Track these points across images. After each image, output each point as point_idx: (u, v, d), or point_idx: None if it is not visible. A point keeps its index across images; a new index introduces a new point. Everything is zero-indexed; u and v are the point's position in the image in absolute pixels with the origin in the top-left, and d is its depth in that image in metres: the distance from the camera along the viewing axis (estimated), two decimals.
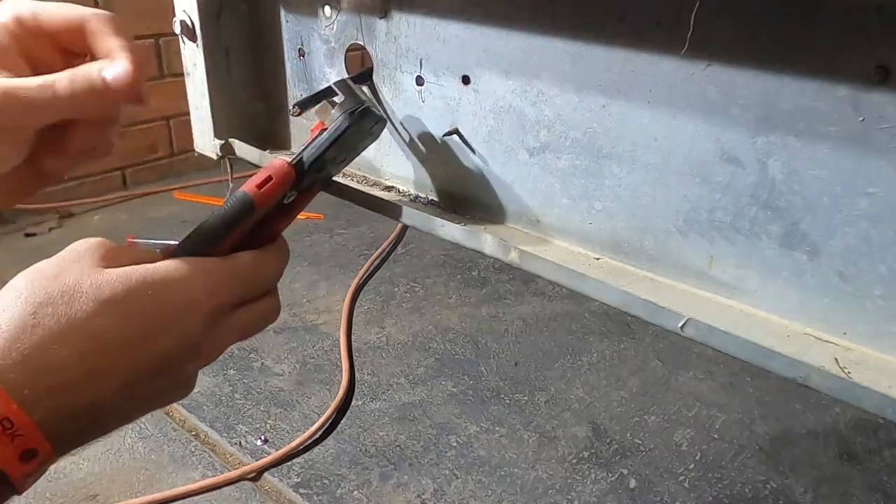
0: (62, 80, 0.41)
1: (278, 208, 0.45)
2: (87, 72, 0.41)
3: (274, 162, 0.44)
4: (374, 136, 0.50)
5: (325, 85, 0.53)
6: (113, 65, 0.42)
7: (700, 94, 0.38)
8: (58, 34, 0.43)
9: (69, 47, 0.44)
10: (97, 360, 0.36)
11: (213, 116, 0.62)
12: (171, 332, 0.39)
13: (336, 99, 0.47)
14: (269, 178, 0.44)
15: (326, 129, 0.46)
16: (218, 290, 0.41)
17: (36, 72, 0.43)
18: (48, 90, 0.41)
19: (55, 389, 0.35)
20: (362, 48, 0.53)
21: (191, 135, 0.65)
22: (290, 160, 0.45)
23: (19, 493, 0.35)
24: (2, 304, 0.36)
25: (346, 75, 0.54)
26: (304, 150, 0.46)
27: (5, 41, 0.42)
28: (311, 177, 0.46)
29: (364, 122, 0.47)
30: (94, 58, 0.43)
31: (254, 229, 0.44)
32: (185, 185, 2.11)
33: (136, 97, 0.42)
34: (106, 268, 0.38)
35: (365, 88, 0.54)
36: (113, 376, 0.37)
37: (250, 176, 0.44)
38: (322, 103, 0.47)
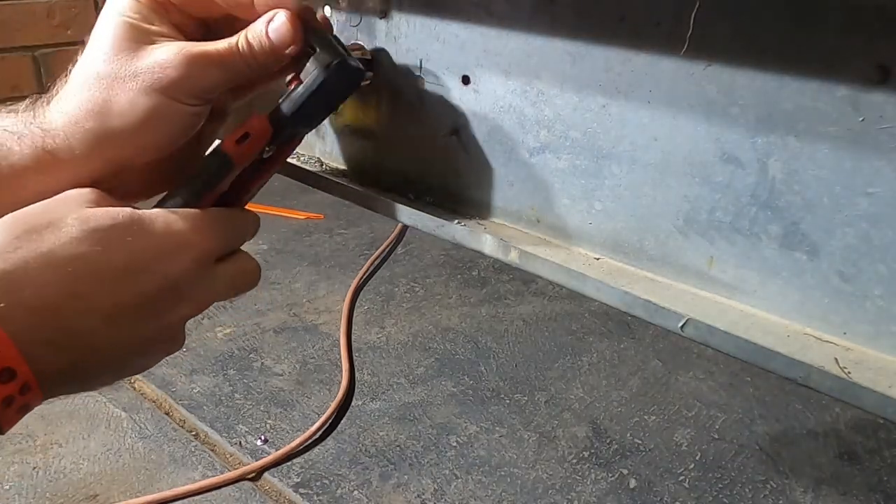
0: (241, 40, 0.43)
1: (256, 164, 0.45)
2: (256, 29, 0.43)
3: (251, 118, 0.44)
4: (354, 88, 0.49)
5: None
6: (273, 20, 0.43)
7: (700, 94, 0.38)
8: (190, 4, 0.45)
9: (200, 15, 0.45)
10: (79, 285, 0.35)
11: None
12: (157, 270, 0.38)
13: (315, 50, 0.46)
14: (246, 135, 0.43)
15: (302, 81, 0.45)
16: (203, 236, 0.41)
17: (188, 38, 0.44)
18: (236, 51, 0.42)
19: (33, 309, 0.34)
20: (362, 48, 0.53)
21: None
22: (267, 114, 0.44)
23: (2, 427, 0.34)
24: None
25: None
26: (280, 103, 0.45)
27: (157, 10, 0.43)
28: (289, 130, 0.45)
29: (341, 75, 0.45)
30: (230, 24, 0.45)
31: (231, 185, 0.44)
32: None
33: (298, 49, 0.43)
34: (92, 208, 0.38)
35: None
36: (95, 304, 0.36)
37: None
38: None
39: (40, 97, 0.45)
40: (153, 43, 0.42)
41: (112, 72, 0.42)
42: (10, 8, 1.85)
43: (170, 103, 0.42)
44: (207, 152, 0.44)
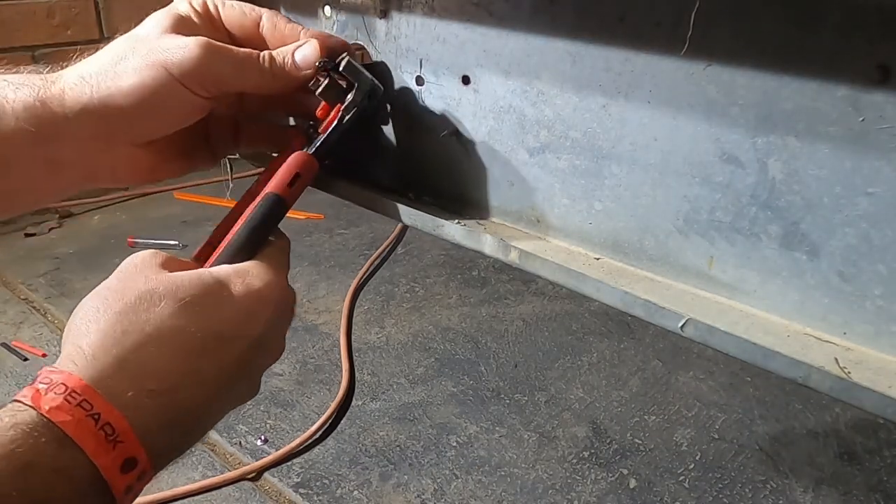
0: (264, 53, 0.45)
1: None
2: (283, 51, 0.46)
3: (297, 156, 0.45)
4: (376, 108, 0.51)
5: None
6: (303, 47, 0.46)
7: (700, 94, 0.38)
8: (233, 26, 0.48)
9: (240, 41, 0.48)
10: (191, 360, 0.36)
11: None
12: (248, 333, 0.39)
13: (342, 79, 0.47)
14: (297, 176, 0.45)
15: (341, 115, 0.47)
16: (277, 285, 0.42)
17: None
18: (255, 58, 0.45)
19: (155, 393, 0.34)
20: (362, 48, 0.53)
21: None
22: (311, 151, 0.46)
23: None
24: (84, 322, 0.36)
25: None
26: (323, 138, 0.47)
27: (199, 21, 0.46)
28: (329, 161, 0.48)
29: (377, 104, 0.48)
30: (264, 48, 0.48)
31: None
32: (185, 186, 2.11)
33: (312, 74, 0.46)
34: (170, 271, 0.39)
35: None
36: (204, 377, 0.37)
37: (251, 176, 0.44)
38: (325, 83, 0.47)
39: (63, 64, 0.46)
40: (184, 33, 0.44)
41: (134, 44, 0.44)
42: (10, 8, 1.85)
43: (174, 84, 0.43)
44: (259, 198, 0.44)
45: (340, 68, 0.46)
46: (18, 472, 0.30)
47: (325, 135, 0.47)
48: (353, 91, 0.47)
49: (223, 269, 0.40)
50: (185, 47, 0.42)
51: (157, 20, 0.45)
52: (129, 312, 0.36)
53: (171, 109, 0.44)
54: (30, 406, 0.32)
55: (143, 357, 0.35)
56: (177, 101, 0.44)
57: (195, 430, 0.38)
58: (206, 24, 0.47)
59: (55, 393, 0.32)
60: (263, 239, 0.44)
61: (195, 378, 0.36)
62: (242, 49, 0.45)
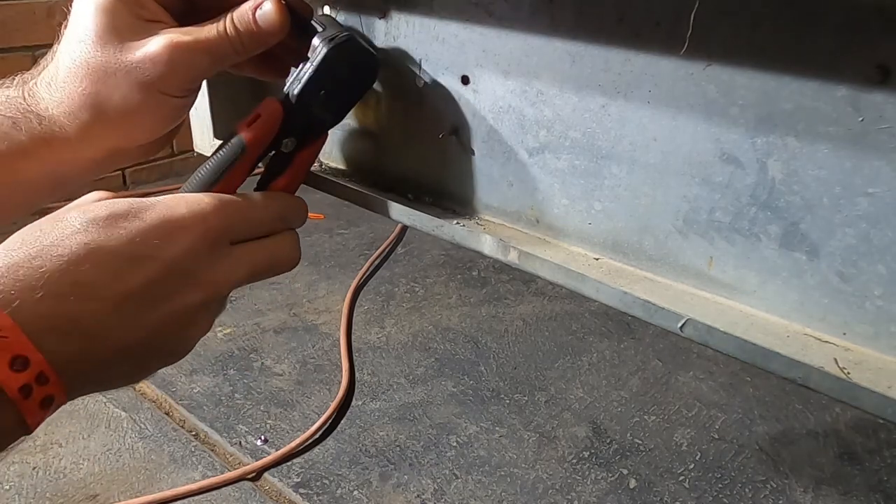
0: (227, 24, 0.42)
1: (279, 158, 0.44)
2: (242, 13, 0.43)
3: (265, 101, 0.43)
4: (369, 77, 0.48)
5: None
6: (262, 5, 0.43)
7: (700, 94, 0.38)
8: None
9: None
10: (80, 273, 0.35)
11: (212, 116, 0.62)
12: (158, 255, 0.38)
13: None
14: (257, 116, 0.43)
15: (305, 58, 0.44)
16: (206, 217, 0.40)
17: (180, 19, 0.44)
18: (223, 36, 0.42)
19: (38, 299, 0.34)
20: None
21: (190, 134, 0.65)
22: (278, 97, 0.44)
23: (28, 427, 0.34)
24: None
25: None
26: (288, 84, 0.44)
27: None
28: (303, 115, 0.44)
29: (350, 52, 0.44)
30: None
31: (259, 183, 0.44)
32: None
33: (283, 32, 0.43)
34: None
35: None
36: (99, 292, 0.36)
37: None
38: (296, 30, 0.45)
39: (28, 74, 0.45)
40: (142, 31, 0.42)
41: (102, 64, 0.42)
42: (9, 8, 1.85)
43: (160, 96, 0.43)
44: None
45: (317, 21, 0.44)
46: None
47: (291, 80, 0.44)
48: (316, 37, 0.45)
49: (151, 199, 0.39)
50: (160, 59, 0.41)
51: (100, 22, 0.42)
52: (35, 229, 0.36)
53: (166, 116, 0.44)
54: None
55: (31, 263, 0.34)
56: (169, 109, 0.44)
57: (102, 351, 0.37)
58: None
59: None
60: (214, 175, 0.42)
61: (88, 290, 0.36)
62: (206, 33, 0.42)
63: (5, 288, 0.33)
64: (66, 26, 0.44)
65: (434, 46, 0.49)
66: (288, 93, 0.44)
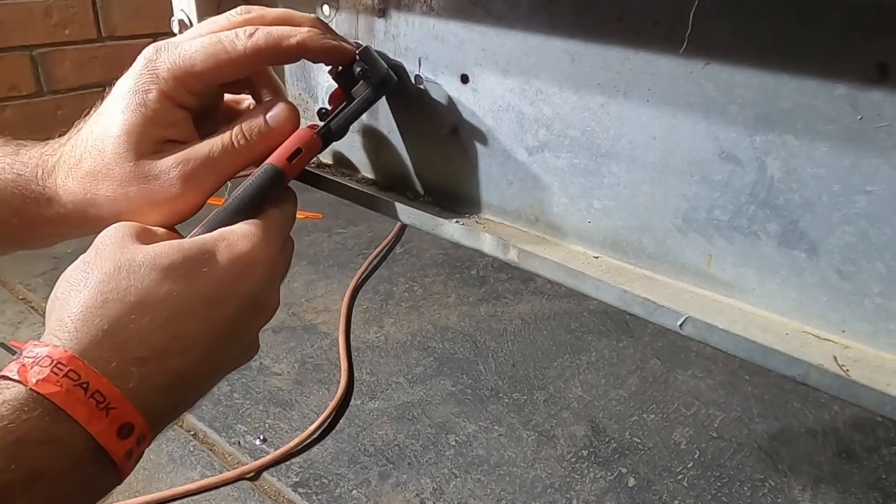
0: (236, 135, 0.44)
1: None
2: (252, 125, 0.44)
3: (302, 132, 0.45)
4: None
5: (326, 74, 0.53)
6: (275, 108, 0.45)
7: (699, 93, 0.38)
8: (211, 75, 0.44)
9: (219, 82, 0.45)
10: (177, 324, 0.36)
11: None
12: (238, 292, 0.39)
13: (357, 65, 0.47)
14: (298, 151, 0.44)
15: (352, 98, 0.47)
16: (267, 247, 0.41)
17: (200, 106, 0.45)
18: (231, 150, 0.43)
19: (143, 360, 0.35)
20: (360, 46, 0.53)
21: None
22: (317, 130, 0.46)
23: (122, 476, 0.35)
24: (64, 295, 0.36)
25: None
26: (331, 119, 0.46)
27: (176, 94, 0.43)
28: (334, 141, 0.47)
29: (388, 90, 0.48)
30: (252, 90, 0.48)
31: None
32: None
33: (295, 129, 0.45)
34: (146, 244, 0.39)
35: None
36: (193, 341, 0.37)
37: (248, 177, 0.44)
38: (340, 68, 0.47)
39: (50, 149, 0.46)
40: (159, 151, 0.43)
41: (118, 176, 0.42)
42: (7, 7, 1.84)
43: (171, 210, 0.43)
44: (257, 169, 0.45)
45: (357, 58, 0.46)
46: (11, 448, 0.30)
47: (333, 116, 0.47)
48: (366, 77, 0.46)
49: (205, 236, 0.40)
50: (168, 185, 0.42)
51: (126, 132, 0.42)
52: (109, 282, 0.36)
53: (161, 220, 0.45)
54: (17, 381, 0.32)
55: (127, 325, 0.35)
56: (168, 218, 0.44)
57: (191, 392, 0.39)
58: (179, 96, 0.43)
59: (41, 366, 0.32)
60: (255, 207, 0.43)
61: (183, 343, 0.36)
62: (215, 149, 0.43)
63: (110, 356, 0.34)
64: (95, 111, 0.45)
65: (433, 45, 0.49)
66: (329, 127, 0.46)
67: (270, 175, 0.44)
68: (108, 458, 0.33)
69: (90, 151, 0.43)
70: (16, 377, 0.32)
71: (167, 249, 0.38)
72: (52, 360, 0.33)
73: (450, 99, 0.49)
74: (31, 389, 0.32)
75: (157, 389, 0.35)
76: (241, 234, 0.41)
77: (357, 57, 0.46)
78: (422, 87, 0.50)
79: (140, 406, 0.34)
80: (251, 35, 0.42)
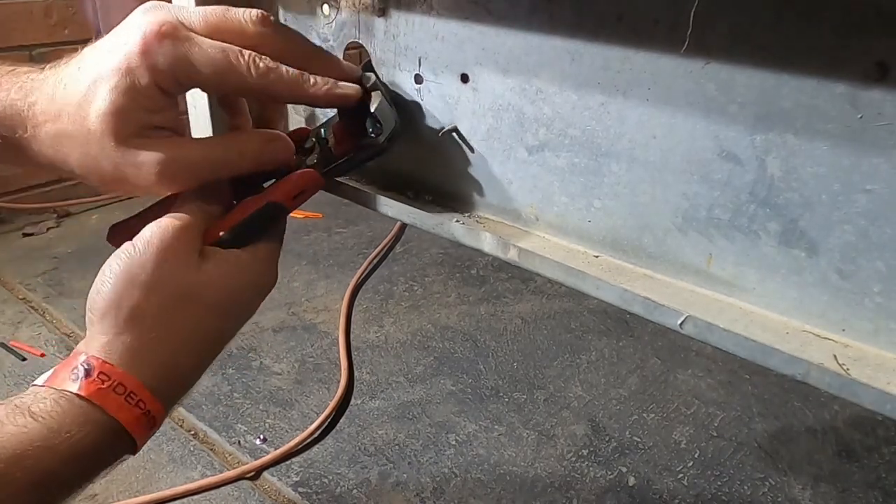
0: (232, 150, 0.45)
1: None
2: (252, 146, 0.46)
3: (307, 173, 0.47)
4: None
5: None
6: (275, 140, 0.47)
7: (699, 92, 0.38)
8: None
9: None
10: (199, 354, 0.44)
11: (211, 116, 0.62)
12: (246, 312, 0.46)
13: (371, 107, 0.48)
14: (303, 192, 0.47)
15: (360, 149, 0.49)
16: (269, 276, 0.47)
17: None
18: (220, 157, 0.45)
19: (179, 382, 0.45)
20: (361, 46, 0.53)
21: (189, 135, 0.65)
22: (323, 170, 0.48)
23: (134, 452, 0.43)
24: (115, 300, 0.41)
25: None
26: (339, 163, 0.48)
27: (170, 83, 0.42)
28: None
29: (396, 143, 0.49)
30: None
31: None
32: None
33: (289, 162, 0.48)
34: (202, 266, 0.43)
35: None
36: (209, 347, 0.45)
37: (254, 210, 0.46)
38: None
39: (48, 68, 0.47)
40: (144, 138, 0.43)
41: (95, 152, 0.42)
42: (7, 7, 1.84)
43: (124, 188, 0.45)
44: (262, 204, 0.46)
45: (372, 110, 0.48)
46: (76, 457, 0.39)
47: (340, 162, 0.48)
48: (378, 135, 0.48)
49: (220, 251, 0.44)
50: (147, 175, 0.43)
51: (113, 106, 0.41)
52: (175, 311, 0.42)
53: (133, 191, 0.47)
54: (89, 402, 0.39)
55: (179, 362, 0.43)
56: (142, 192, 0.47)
57: (198, 375, 0.46)
58: (173, 84, 0.43)
59: (117, 393, 0.40)
60: (257, 240, 0.46)
61: (205, 359, 0.45)
62: (207, 152, 0.45)
63: (161, 390, 0.43)
64: (77, 57, 0.45)
65: (433, 44, 0.49)
66: (335, 170, 0.49)
67: (274, 211, 0.46)
68: (129, 438, 0.42)
69: (70, 114, 0.42)
70: (84, 394, 0.39)
71: (222, 285, 0.43)
72: (126, 389, 0.41)
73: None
74: (109, 416, 0.40)
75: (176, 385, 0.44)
76: (257, 266, 0.46)
77: (374, 112, 0.47)
78: (420, 87, 0.50)
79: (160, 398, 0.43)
80: (264, 75, 0.43)
